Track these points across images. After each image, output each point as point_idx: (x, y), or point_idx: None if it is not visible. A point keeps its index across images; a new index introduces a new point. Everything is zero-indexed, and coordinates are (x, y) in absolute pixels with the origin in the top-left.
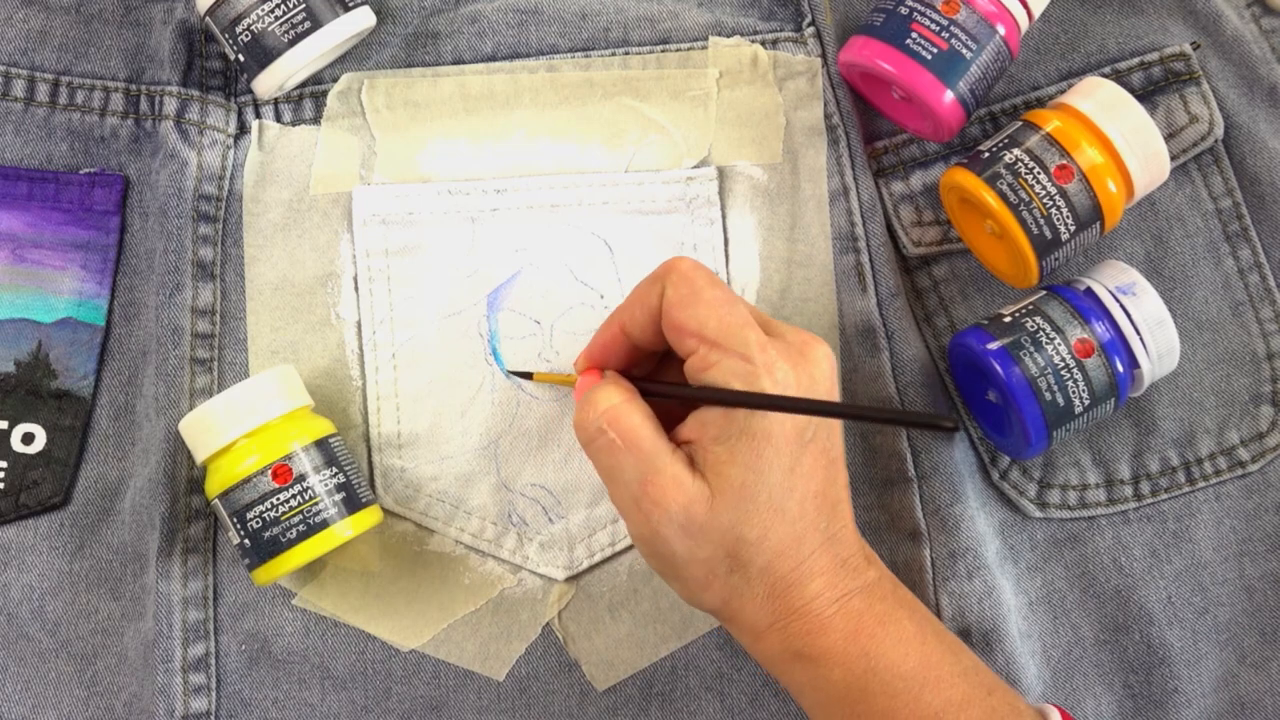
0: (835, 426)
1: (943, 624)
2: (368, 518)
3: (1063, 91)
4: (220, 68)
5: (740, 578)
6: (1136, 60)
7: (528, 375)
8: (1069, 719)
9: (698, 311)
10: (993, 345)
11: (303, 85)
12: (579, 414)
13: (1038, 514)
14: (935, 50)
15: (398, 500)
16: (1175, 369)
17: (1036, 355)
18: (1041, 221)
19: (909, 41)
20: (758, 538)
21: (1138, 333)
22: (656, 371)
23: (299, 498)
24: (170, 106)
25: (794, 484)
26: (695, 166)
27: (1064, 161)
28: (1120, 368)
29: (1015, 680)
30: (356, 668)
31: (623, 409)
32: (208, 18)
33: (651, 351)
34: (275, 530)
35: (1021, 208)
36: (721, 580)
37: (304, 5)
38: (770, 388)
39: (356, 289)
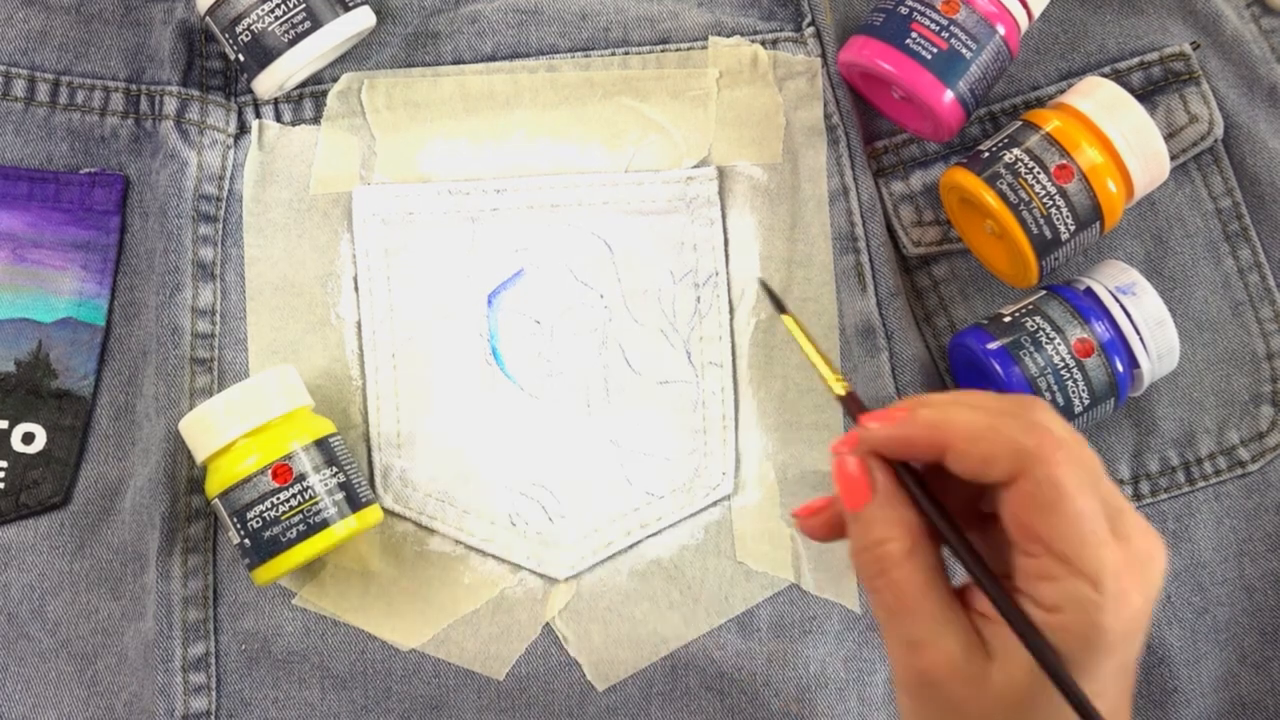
0: (1143, 640)
1: None
2: (368, 517)
3: (1063, 91)
4: (220, 67)
5: None
6: (1136, 60)
7: (781, 308)
8: None
9: (1056, 523)
10: (992, 345)
11: (303, 85)
12: (857, 551)
13: None
14: (935, 50)
15: (398, 500)
16: (1175, 369)
17: (1036, 355)
18: (1041, 221)
19: (909, 41)
20: None
21: (1137, 332)
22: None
23: (299, 497)
24: (170, 106)
25: (1096, 694)
26: (695, 166)
27: (1064, 161)
28: (1120, 367)
29: None
30: (356, 667)
31: (906, 574)
32: (208, 17)
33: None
34: (275, 530)
35: (1021, 207)
36: None
37: (304, 5)
38: (1111, 625)
39: (356, 289)
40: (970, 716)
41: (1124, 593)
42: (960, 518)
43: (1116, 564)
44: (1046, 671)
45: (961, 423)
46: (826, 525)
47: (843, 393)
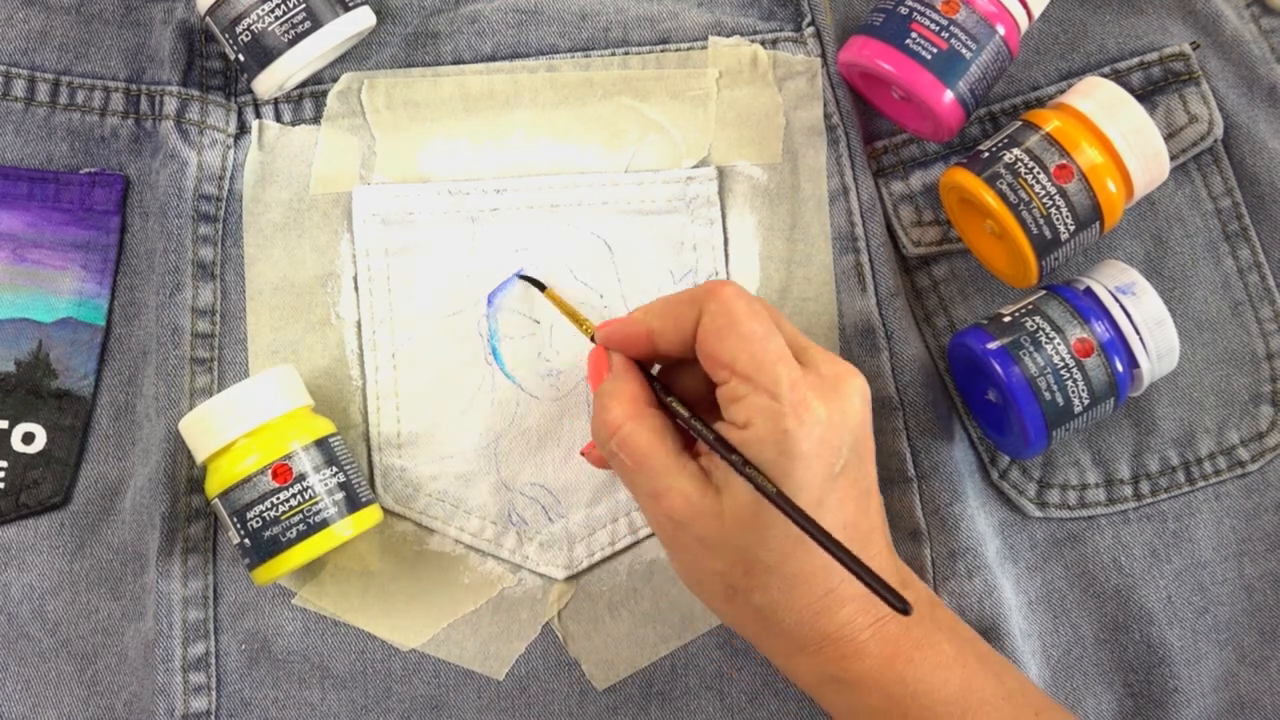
0: (868, 456)
1: (986, 644)
2: (368, 517)
3: (1062, 91)
4: (220, 67)
5: (762, 598)
6: (1136, 60)
7: (540, 286)
8: None
9: (731, 344)
10: (992, 345)
11: (303, 85)
12: (595, 420)
13: (1037, 514)
14: (935, 50)
15: (397, 500)
16: (1175, 369)
17: (1036, 355)
18: (1041, 221)
19: (909, 41)
20: (776, 562)
21: (1137, 332)
22: (680, 371)
23: (299, 497)
24: (170, 106)
25: (820, 516)
26: (695, 166)
27: (1064, 161)
28: (1120, 367)
29: None
30: (356, 667)
31: (627, 430)
32: (208, 18)
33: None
34: (275, 530)
35: (1021, 207)
36: (743, 597)
37: (304, 5)
38: (796, 428)
39: (356, 289)
40: (716, 544)
41: (804, 401)
42: (705, 409)
43: (794, 377)
44: (737, 471)
45: (659, 304)
46: (600, 457)
47: (590, 334)
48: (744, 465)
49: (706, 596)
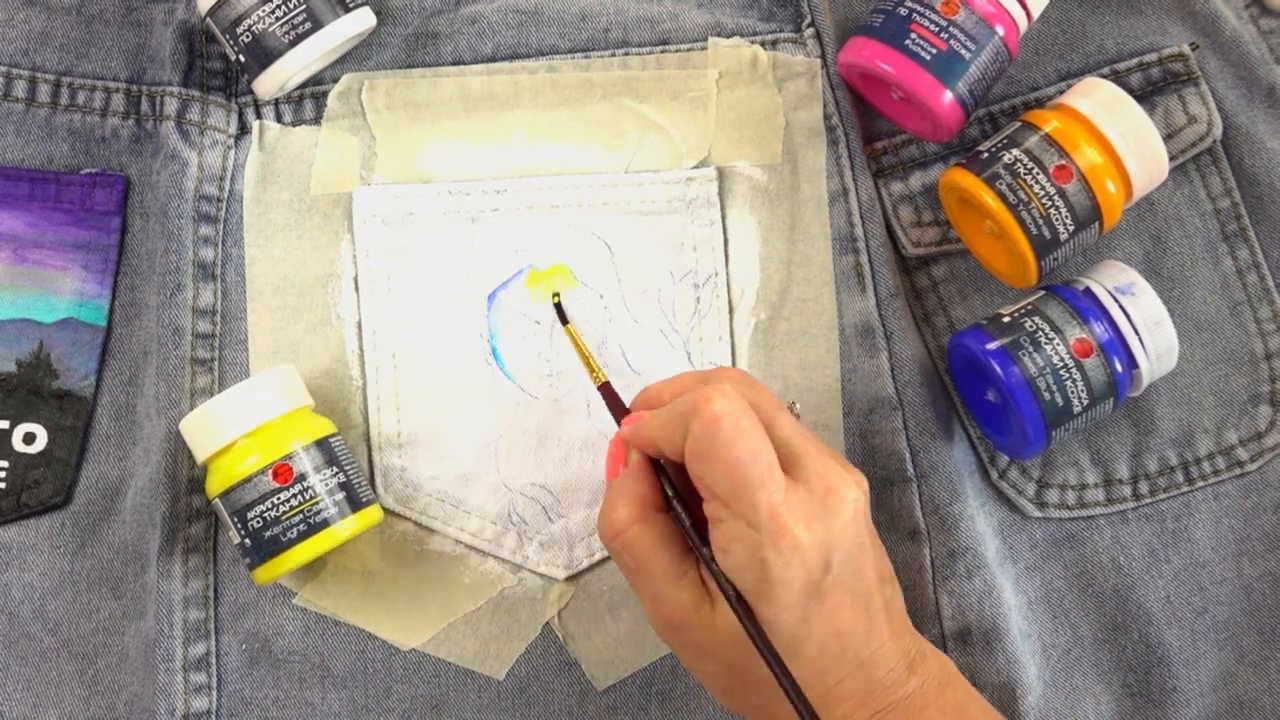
0: (864, 558)
1: (996, 713)
2: (368, 517)
3: (1061, 92)
4: (221, 68)
5: (759, 698)
6: (1135, 61)
7: (564, 319)
8: None
9: (711, 468)
10: (992, 345)
11: (303, 86)
12: (602, 517)
13: (1036, 514)
14: (934, 51)
15: (398, 500)
16: (1174, 369)
17: (1035, 355)
18: (1040, 221)
19: (908, 42)
20: (767, 674)
21: (1136, 333)
22: None
23: (299, 497)
24: (171, 107)
25: (808, 632)
26: (695, 167)
27: (1063, 162)
28: (1119, 367)
29: (1016, 680)
30: (357, 667)
31: (632, 534)
32: (208, 18)
33: None
34: (276, 530)
35: (1020, 208)
36: (739, 696)
37: (305, 6)
38: (774, 558)
39: (357, 289)
40: (710, 652)
41: (783, 529)
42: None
43: (773, 504)
44: (720, 589)
45: (657, 421)
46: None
47: (598, 384)
48: (726, 586)
49: (708, 689)
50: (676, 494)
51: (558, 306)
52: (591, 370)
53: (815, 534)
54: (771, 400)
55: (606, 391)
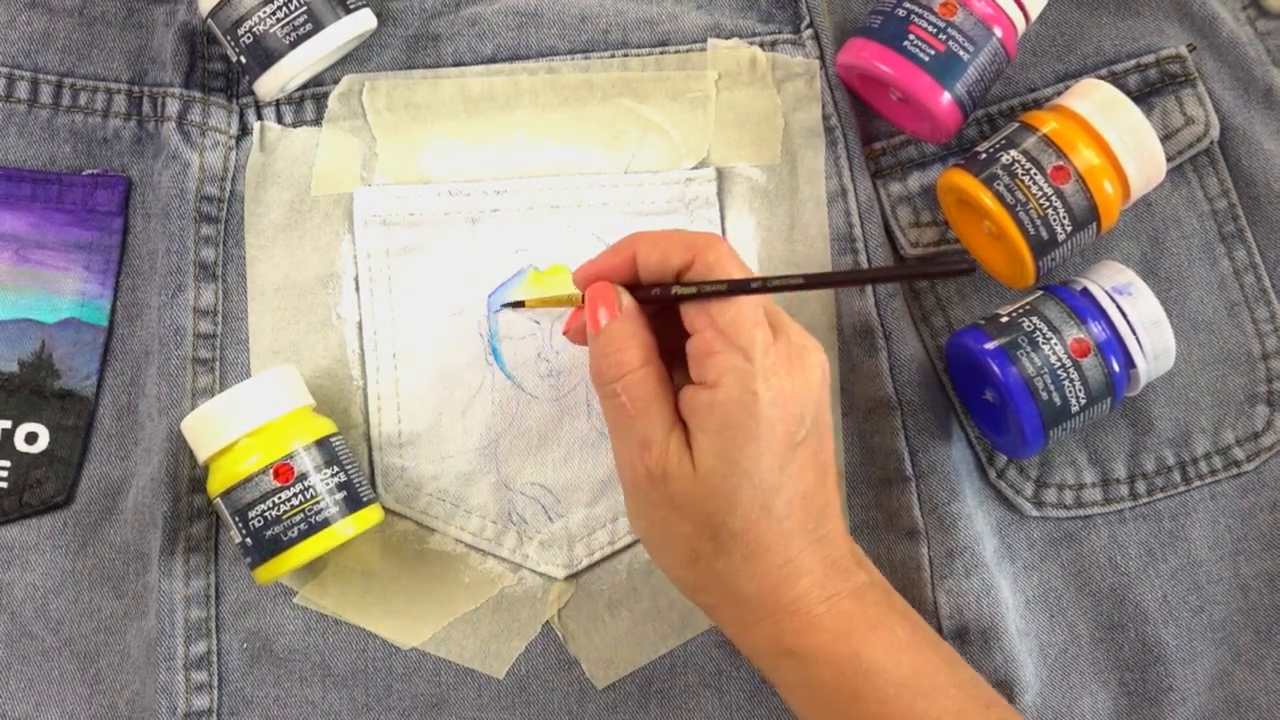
0: (826, 430)
1: (939, 635)
2: (369, 516)
3: (1059, 93)
4: (222, 69)
5: (724, 564)
6: (1133, 62)
7: (520, 304)
8: None
9: (720, 300)
10: (990, 345)
11: (304, 87)
12: (598, 361)
13: (1034, 513)
14: (933, 52)
15: (398, 499)
16: (1171, 369)
17: (1033, 355)
18: (1038, 222)
19: (907, 43)
20: (742, 529)
21: (1134, 333)
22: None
23: (300, 496)
24: (172, 108)
25: (782, 484)
26: (694, 168)
27: (1060, 163)
28: (1116, 367)
29: (1013, 679)
30: (357, 666)
31: (640, 377)
32: (210, 20)
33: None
34: (277, 529)
35: (1018, 208)
36: (706, 563)
37: (305, 7)
38: (764, 392)
39: (357, 289)
40: (686, 505)
41: (774, 368)
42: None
43: (767, 342)
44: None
45: (648, 235)
46: (581, 331)
47: (579, 299)
48: (766, 284)
49: (669, 560)
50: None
51: (507, 306)
52: (569, 300)
53: (796, 383)
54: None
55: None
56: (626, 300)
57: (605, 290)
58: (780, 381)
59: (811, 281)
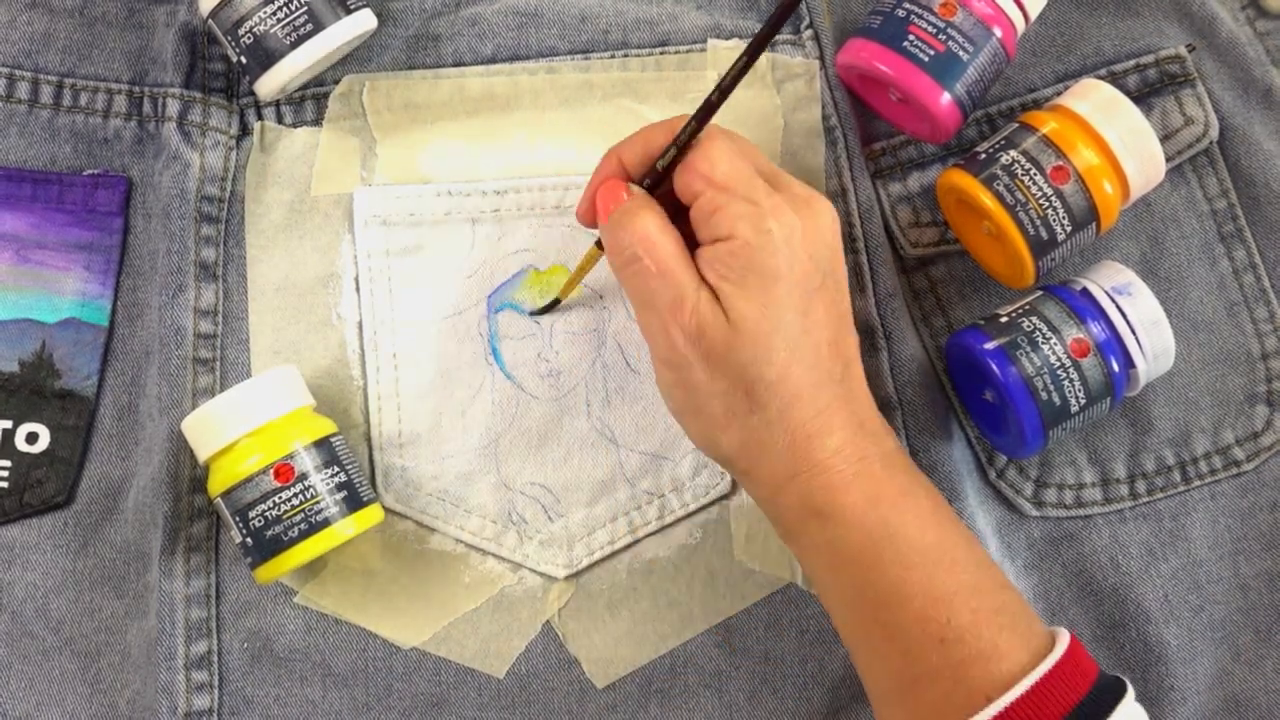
0: (841, 280)
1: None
2: (369, 516)
3: (1059, 94)
4: (222, 70)
5: (759, 419)
6: (1132, 62)
7: (554, 303)
8: (1077, 641)
9: (709, 154)
10: (989, 345)
11: (304, 87)
12: (612, 236)
13: (1034, 513)
14: (932, 52)
15: (399, 499)
16: (1171, 369)
17: (1033, 355)
18: (1038, 222)
19: (906, 44)
20: (777, 378)
21: (1133, 333)
22: None
23: (300, 496)
24: (173, 108)
25: (808, 327)
26: None
27: (1060, 163)
28: (1116, 367)
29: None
30: (358, 665)
31: (657, 236)
32: (210, 20)
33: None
34: (277, 529)
35: (1018, 209)
36: (740, 421)
37: (306, 8)
38: (776, 230)
39: (358, 289)
40: (721, 361)
41: (781, 207)
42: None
43: (768, 188)
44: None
45: (623, 141)
46: (591, 212)
47: (595, 243)
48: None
49: (705, 424)
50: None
51: (537, 313)
52: (590, 256)
53: (806, 222)
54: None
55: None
56: (636, 190)
57: (612, 186)
58: (790, 219)
59: (749, 53)
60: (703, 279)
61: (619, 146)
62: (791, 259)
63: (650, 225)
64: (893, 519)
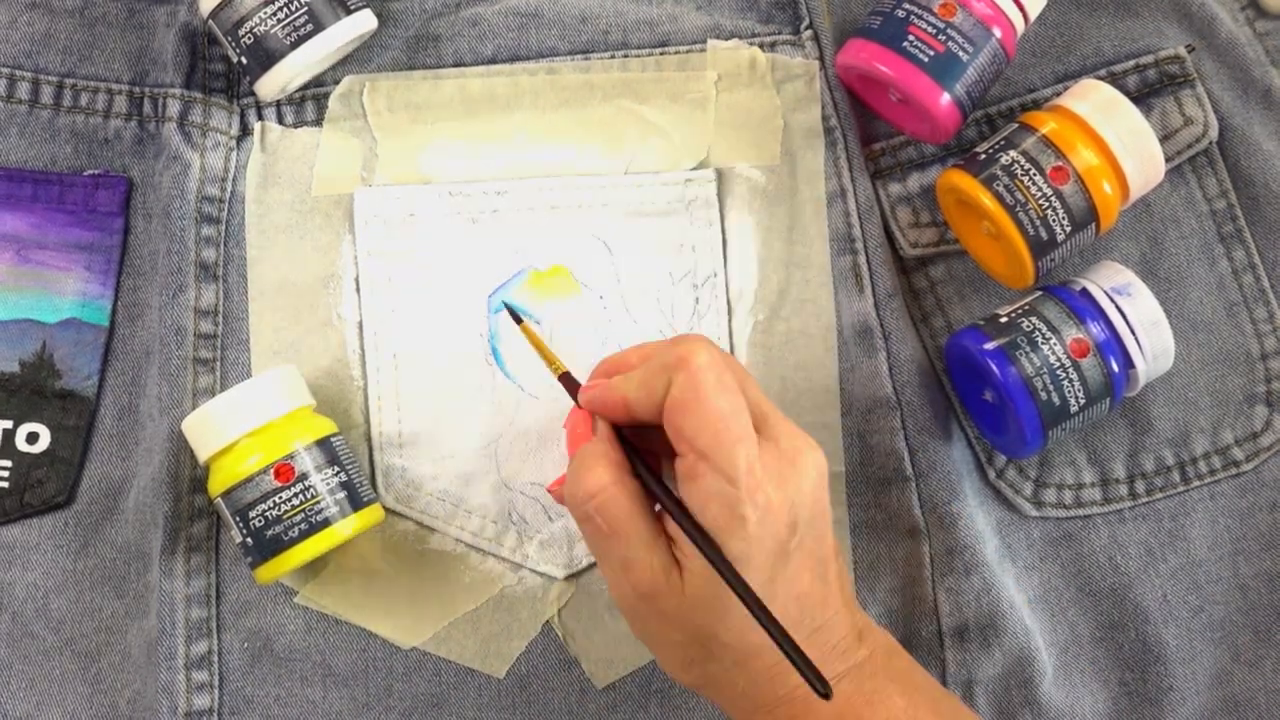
0: (824, 525)
1: (942, 688)
2: (369, 516)
3: (1058, 94)
4: (223, 70)
5: (717, 667)
6: (1132, 63)
7: (518, 319)
8: None
9: (694, 420)
10: (989, 345)
11: (305, 88)
12: (571, 484)
13: (1034, 513)
14: (932, 53)
15: (399, 499)
16: (1170, 369)
17: (1032, 355)
18: (1037, 223)
19: (906, 44)
20: (733, 640)
21: (1133, 333)
22: (649, 436)
23: (301, 496)
24: (173, 109)
25: (774, 593)
26: (694, 168)
27: (1059, 163)
28: (1115, 368)
29: (1028, 679)
30: (358, 665)
31: (609, 495)
32: (210, 20)
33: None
34: (277, 529)
35: (1017, 209)
36: (700, 667)
37: (306, 8)
38: (750, 514)
39: (358, 289)
40: (675, 619)
41: (759, 485)
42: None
43: (750, 459)
44: (700, 549)
45: (632, 373)
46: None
47: (558, 374)
48: (706, 547)
49: (664, 662)
50: (642, 462)
51: (509, 307)
52: (550, 362)
53: (786, 493)
54: (738, 365)
55: (567, 381)
56: (601, 426)
57: (581, 418)
58: (767, 498)
59: (742, 593)
60: (666, 531)
61: (625, 386)
62: (762, 539)
63: (603, 479)
64: None
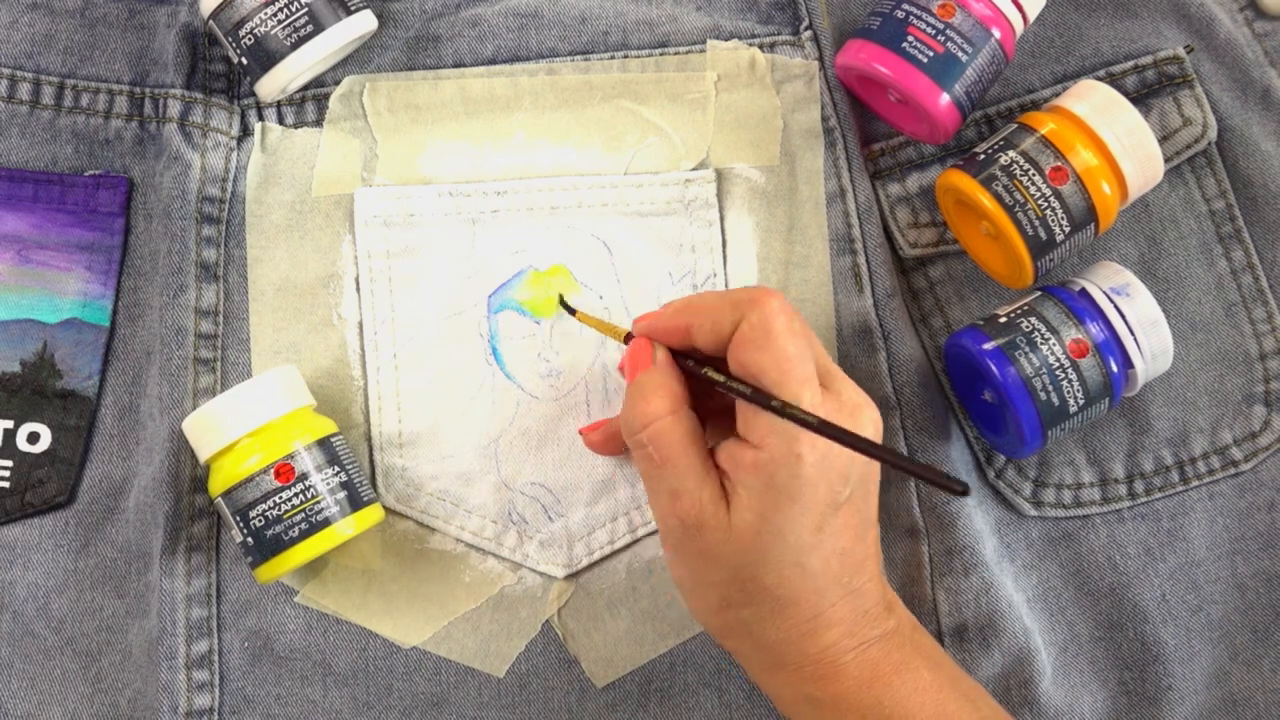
0: (872, 488)
1: (963, 671)
2: (369, 516)
3: (1057, 94)
4: (223, 71)
5: (752, 613)
6: (1130, 63)
7: (572, 311)
8: None
9: (763, 357)
10: (988, 345)
11: (305, 88)
12: (627, 411)
13: (1033, 513)
14: (931, 53)
15: (399, 499)
16: (1169, 369)
17: (1031, 355)
18: (1036, 223)
19: (905, 45)
20: (773, 584)
21: (1132, 333)
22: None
23: (301, 496)
24: (174, 109)
25: (820, 542)
26: (693, 169)
27: (1059, 163)
28: (1114, 368)
29: (1027, 678)
30: (358, 665)
31: (666, 425)
32: (211, 21)
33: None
34: (278, 528)
35: (1016, 209)
36: (734, 611)
37: (306, 9)
38: (808, 454)
39: (358, 290)
40: (719, 557)
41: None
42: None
43: (814, 401)
44: (780, 415)
45: (699, 301)
46: (604, 440)
47: (624, 339)
48: (784, 409)
49: (698, 604)
50: (701, 364)
51: (564, 303)
52: (615, 333)
53: (843, 448)
54: (806, 324)
55: (630, 339)
56: (660, 354)
57: (641, 346)
58: (827, 444)
59: (825, 428)
60: (717, 465)
61: (694, 313)
62: (816, 483)
63: (660, 409)
64: (887, 698)
